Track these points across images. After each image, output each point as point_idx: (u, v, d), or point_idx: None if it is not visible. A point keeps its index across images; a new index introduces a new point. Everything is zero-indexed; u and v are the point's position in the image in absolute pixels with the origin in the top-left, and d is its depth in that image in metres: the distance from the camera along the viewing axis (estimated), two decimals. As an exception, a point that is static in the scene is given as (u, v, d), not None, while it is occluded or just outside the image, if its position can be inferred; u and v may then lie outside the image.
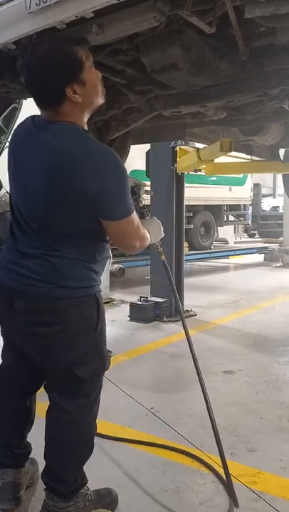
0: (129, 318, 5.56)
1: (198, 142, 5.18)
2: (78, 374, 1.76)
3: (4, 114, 7.09)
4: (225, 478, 2.14)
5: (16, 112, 7.39)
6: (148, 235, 1.91)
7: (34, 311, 1.72)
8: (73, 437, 1.83)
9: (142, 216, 2.13)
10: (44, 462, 1.88)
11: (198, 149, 5.20)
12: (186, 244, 8.04)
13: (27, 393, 2.01)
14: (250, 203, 13.59)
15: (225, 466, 2.14)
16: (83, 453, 1.88)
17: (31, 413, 2.04)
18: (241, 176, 11.84)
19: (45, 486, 1.87)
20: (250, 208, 13.99)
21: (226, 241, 14.72)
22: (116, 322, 5.50)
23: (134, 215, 1.74)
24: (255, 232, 16.78)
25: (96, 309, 1.80)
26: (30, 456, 2.09)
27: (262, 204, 16.69)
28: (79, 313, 1.74)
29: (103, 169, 1.61)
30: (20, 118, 7.42)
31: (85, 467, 2.08)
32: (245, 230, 17.34)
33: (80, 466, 1.88)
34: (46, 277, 1.68)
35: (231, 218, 13.25)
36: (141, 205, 2.20)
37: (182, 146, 5.72)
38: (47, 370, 1.84)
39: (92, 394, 1.84)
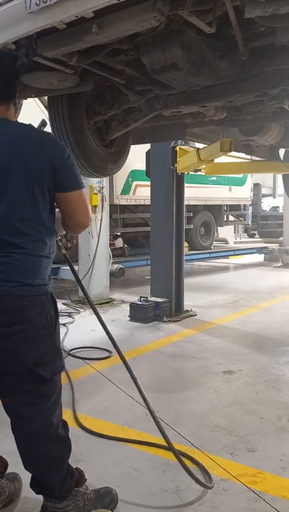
0: (129, 318, 5.56)
1: (198, 142, 5.18)
2: (41, 374, 1.72)
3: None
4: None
5: (15, 112, 7.39)
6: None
7: None
8: (45, 443, 1.79)
9: None
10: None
11: (198, 149, 5.20)
12: (186, 244, 8.05)
13: None
14: (250, 203, 13.58)
15: (164, 435, 2.18)
16: (60, 454, 1.85)
17: None
18: (241, 176, 11.84)
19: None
20: (250, 208, 13.98)
21: (225, 241, 14.73)
22: (116, 322, 5.51)
23: (86, 191, 1.88)
24: (255, 232, 16.79)
25: (54, 308, 1.82)
26: (13, 471, 2.07)
27: (262, 204, 16.71)
28: (39, 312, 1.74)
29: (58, 148, 1.80)
30: (20, 118, 7.45)
31: (85, 467, 2.08)
32: (245, 230, 17.35)
33: (61, 467, 1.85)
34: (8, 275, 1.68)
35: (231, 218, 13.25)
36: None
37: (182, 146, 5.72)
38: (8, 373, 1.73)
39: (53, 395, 1.80)
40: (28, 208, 1.72)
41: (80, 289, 6.52)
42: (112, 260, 7.21)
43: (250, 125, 3.78)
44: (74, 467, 1.94)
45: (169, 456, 2.43)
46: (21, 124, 1.84)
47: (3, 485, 2.03)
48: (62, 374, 3.70)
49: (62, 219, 1.92)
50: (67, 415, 2.92)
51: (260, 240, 16.09)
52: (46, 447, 1.80)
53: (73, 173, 1.83)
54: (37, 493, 1.87)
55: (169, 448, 2.19)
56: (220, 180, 11.41)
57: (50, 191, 1.77)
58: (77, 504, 1.87)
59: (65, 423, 1.90)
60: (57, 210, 1.88)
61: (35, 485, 1.87)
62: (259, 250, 12.57)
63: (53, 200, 1.80)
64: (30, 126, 1.82)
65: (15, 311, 1.69)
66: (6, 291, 1.67)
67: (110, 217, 7.47)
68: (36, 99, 6.97)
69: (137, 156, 6.62)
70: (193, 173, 7.58)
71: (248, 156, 5.69)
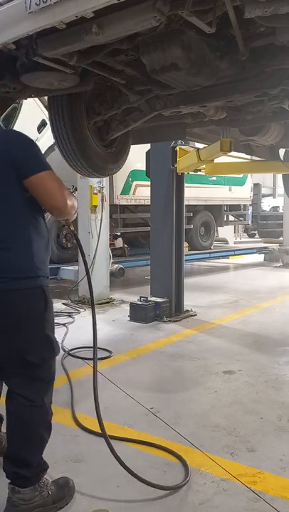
0: (129, 318, 5.56)
1: (198, 142, 5.18)
2: (30, 360, 1.91)
3: (4, 114, 7.09)
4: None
5: (16, 112, 7.40)
6: (76, 203, 2.10)
7: None
8: (35, 420, 1.96)
9: None
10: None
11: (198, 149, 5.20)
12: (186, 244, 8.05)
13: None
14: (250, 203, 13.57)
15: (99, 420, 2.23)
16: (44, 435, 2.00)
17: None
18: (241, 176, 11.83)
19: (9, 481, 1.94)
20: (250, 208, 13.97)
21: (225, 241, 14.72)
22: (116, 322, 5.51)
23: (54, 174, 1.94)
24: (255, 232, 16.79)
25: (43, 300, 1.94)
26: None
27: (262, 204, 16.70)
28: (27, 305, 1.89)
29: (17, 141, 1.94)
30: (21, 118, 7.45)
31: (85, 467, 2.09)
32: (245, 230, 17.35)
33: (42, 447, 2.00)
34: None
35: (231, 218, 13.24)
36: None
37: (182, 146, 5.72)
38: (2, 359, 1.94)
39: (46, 378, 1.98)
40: (1, 204, 1.87)
41: (79, 288, 6.54)
42: (112, 260, 7.21)
43: (250, 125, 3.78)
44: None
45: (169, 456, 2.44)
46: None
47: (2, 435, 2.26)
48: (62, 374, 3.72)
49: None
50: (66, 415, 2.92)
51: (260, 239, 16.09)
52: (36, 424, 1.96)
53: (33, 158, 1.92)
54: (9, 476, 1.95)
55: (102, 434, 2.25)
56: (220, 180, 11.40)
57: (21, 184, 1.88)
58: (43, 495, 1.96)
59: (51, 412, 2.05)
60: None
61: (11, 463, 1.94)
62: (259, 250, 12.57)
63: (27, 192, 1.91)
64: None
65: (2, 305, 1.86)
66: None
67: (110, 217, 7.47)
68: (36, 99, 6.98)
69: (137, 156, 6.62)
70: (193, 173, 7.58)
71: (248, 156, 5.69)
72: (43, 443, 2.00)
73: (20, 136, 1.99)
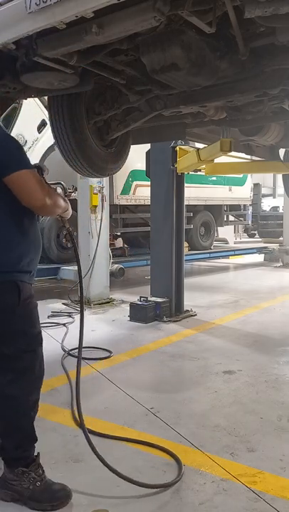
0: (129, 318, 5.56)
1: (198, 142, 5.18)
2: (3, 351, 2.00)
3: (4, 114, 7.10)
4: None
5: (16, 112, 7.40)
6: (62, 201, 2.13)
7: None
8: (8, 410, 2.04)
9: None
10: None
11: (198, 149, 5.20)
12: (186, 244, 8.05)
13: None
14: (250, 203, 13.57)
15: (78, 405, 2.31)
16: (20, 424, 2.06)
17: None
18: (241, 176, 11.83)
19: None
20: (250, 208, 13.97)
21: (225, 241, 14.71)
22: (116, 322, 5.51)
23: (33, 172, 1.98)
24: (255, 232, 16.78)
25: (17, 296, 1.98)
26: None
27: (262, 204, 16.70)
28: None
29: None
30: (21, 118, 7.45)
31: (85, 467, 2.09)
32: (245, 230, 17.34)
33: (18, 436, 2.06)
34: None
35: (231, 218, 13.23)
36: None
37: (182, 146, 5.72)
38: None
39: (20, 369, 2.03)
40: None
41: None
42: (112, 260, 7.21)
43: (250, 125, 3.78)
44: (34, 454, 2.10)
45: (169, 457, 2.43)
46: None
47: None
48: (62, 374, 3.72)
49: None
50: (66, 415, 2.92)
51: (260, 239, 16.08)
52: (9, 413, 2.05)
53: (10, 156, 1.95)
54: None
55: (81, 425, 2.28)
56: (220, 180, 11.40)
57: (1, 181, 1.92)
58: (22, 484, 2.03)
59: (36, 402, 2.11)
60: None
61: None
62: (259, 250, 12.57)
63: (7, 189, 1.94)
64: None
65: None
66: None
67: (110, 217, 7.46)
68: (36, 99, 6.98)
69: (137, 156, 6.62)
70: (193, 173, 7.58)
71: (248, 156, 5.69)
72: (19, 433, 2.06)
73: (2, 135, 2.05)
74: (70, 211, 2.30)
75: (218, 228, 12.78)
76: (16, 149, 2.01)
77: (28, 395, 2.07)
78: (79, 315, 5.89)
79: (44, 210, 2.05)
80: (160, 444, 2.54)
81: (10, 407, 2.04)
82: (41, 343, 2.12)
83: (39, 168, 2.24)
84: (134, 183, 8.85)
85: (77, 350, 4.23)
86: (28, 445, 2.09)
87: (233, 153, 4.51)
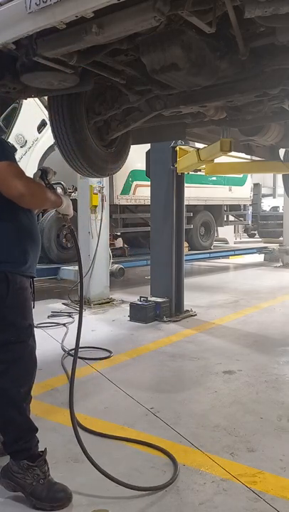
0: (129, 318, 5.56)
1: (198, 142, 5.17)
2: None
3: (4, 114, 7.10)
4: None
5: (16, 112, 7.40)
6: (49, 194, 2.14)
7: None
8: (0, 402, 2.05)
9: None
10: None
11: (198, 149, 5.20)
12: (186, 244, 8.05)
13: None
14: (250, 203, 13.57)
15: (71, 407, 2.24)
16: (13, 417, 2.07)
17: None
18: (241, 176, 11.82)
19: None
20: (250, 208, 13.97)
21: (226, 241, 14.71)
22: (116, 322, 5.51)
23: (12, 164, 1.99)
24: (255, 232, 16.78)
25: (5, 286, 2.01)
26: None
27: (262, 204, 16.69)
28: None
29: None
30: (21, 118, 7.45)
31: (85, 467, 2.08)
32: (245, 230, 17.33)
33: (14, 429, 2.08)
34: None
35: (231, 218, 13.23)
36: (48, 184, 2.30)
37: (182, 146, 5.72)
38: None
39: (8, 361, 2.05)
40: None
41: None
42: (112, 260, 7.21)
43: (250, 125, 3.78)
44: (38, 450, 2.11)
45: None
46: None
47: None
48: (62, 374, 3.72)
49: None
50: (66, 415, 2.92)
51: (260, 239, 16.08)
52: (2, 407, 2.06)
53: None
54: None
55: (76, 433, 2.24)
56: (220, 180, 11.39)
57: None
58: (26, 479, 2.04)
59: (28, 394, 2.12)
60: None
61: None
62: (259, 250, 12.57)
63: None
64: None
65: None
66: None
67: (110, 217, 7.46)
68: (36, 99, 6.98)
69: (137, 156, 6.63)
70: (193, 173, 7.58)
71: (248, 156, 5.69)
72: (14, 426, 2.07)
73: None
74: (71, 208, 2.31)
75: (218, 228, 12.78)
76: None
77: (19, 386, 2.08)
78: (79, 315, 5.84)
79: (23, 200, 2.02)
80: (160, 444, 2.54)
81: (2, 400, 2.05)
82: (32, 335, 2.13)
83: (43, 171, 2.26)
84: (134, 183, 8.85)
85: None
86: (28, 436, 2.09)
87: (233, 153, 4.51)
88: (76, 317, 5.72)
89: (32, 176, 2.22)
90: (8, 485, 2.10)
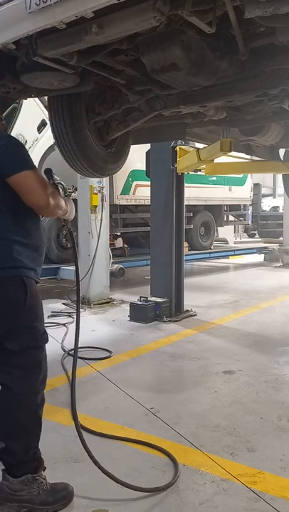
0: (129, 318, 5.56)
1: (198, 142, 5.18)
2: (8, 347, 1.95)
3: (4, 114, 7.10)
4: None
5: (16, 112, 7.40)
6: (63, 203, 2.15)
7: None
8: (14, 409, 1.97)
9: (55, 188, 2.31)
10: None
11: (198, 149, 5.20)
12: (186, 244, 8.05)
13: None
14: (250, 203, 13.57)
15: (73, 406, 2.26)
16: (28, 424, 1.99)
17: None
18: (241, 176, 11.83)
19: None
20: (250, 208, 13.97)
21: (226, 241, 14.72)
22: (116, 322, 5.51)
23: (37, 174, 1.99)
24: (255, 232, 16.78)
25: (23, 289, 1.96)
26: None
27: (262, 204, 16.70)
28: (2, 293, 1.93)
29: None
30: (21, 118, 7.45)
31: (85, 467, 2.08)
32: (245, 230, 17.34)
33: (26, 437, 1.99)
34: None
35: (231, 218, 13.24)
36: (55, 182, 2.29)
37: (182, 146, 5.72)
38: None
39: (26, 367, 1.98)
40: None
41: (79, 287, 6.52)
42: (112, 260, 7.21)
43: (250, 125, 3.78)
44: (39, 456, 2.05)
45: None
46: None
47: None
48: (62, 374, 3.72)
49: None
50: (66, 415, 2.92)
51: (260, 239, 16.08)
52: (17, 413, 1.97)
53: (12, 158, 1.98)
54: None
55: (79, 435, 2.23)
56: (220, 180, 11.40)
57: (2, 179, 1.93)
58: (31, 492, 1.96)
59: (43, 400, 2.06)
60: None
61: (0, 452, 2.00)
62: (259, 250, 12.58)
63: (8, 189, 1.96)
64: None
65: None
66: None
67: (110, 217, 7.47)
68: (36, 99, 6.98)
69: (137, 156, 6.62)
70: (193, 173, 7.58)
71: (248, 156, 5.69)
72: (27, 433, 1.99)
73: (5, 136, 2.05)
74: (73, 213, 2.31)
75: (218, 228, 12.79)
76: (19, 150, 2.02)
77: (37, 393, 2.03)
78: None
79: (46, 210, 2.04)
80: (160, 443, 2.54)
81: (19, 406, 1.98)
82: (47, 341, 2.09)
83: (49, 172, 2.26)
84: (134, 183, 8.86)
85: (77, 350, 4.25)
86: (36, 445, 2.03)
87: (233, 153, 4.51)
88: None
89: None
90: (10, 508, 1.95)
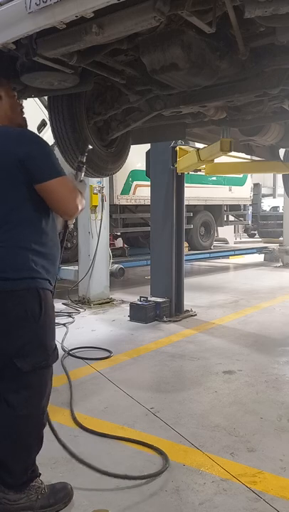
0: (129, 318, 5.56)
1: (198, 142, 5.18)
2: (19, 366, 1.81)
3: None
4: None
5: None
6: (84, 202, 2.04)
7: None
8: (19, 430, 1.87)
9: (78, 169, 2.29)
10: None
11: (198, 149, 5.20)
12: (186, 244, 8.05)
13: None
14: (250, 203, 13.58)
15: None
16: (31, 445, 1.92)
17: None
18: (241, 176, 11.84)
19: None
20: (250, 208, 13.98)
21: (226, 241, 14.72)
22: (116, 322, 5.51)
23: (66, 180, 1.90)
24: (255, 232, 16.80)
25: (38, 303, 1.84)
26: None
27: (262, 204, 16.71)
28: (17, 305, 1.81)
29: (23, 141, 1.86)
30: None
31: (85, 467, 2.08)
32: (245, 230, 17.36)
33: (28, 457, 1.92)
34: None
35: (231, 218, 13.24)
36: (83, 162, 2.28)
37: (182, 146, 5.72)
38: None
39: (35, 387, 1.88)
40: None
41: (79, 288, 6.54)
42: (112, 260, 7.21)
43: (250, 125, 3.78)
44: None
45: (169, 457, 2.43)
46: None
47: None
48: (62, 374, 3.71)
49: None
50: (66, 415, 2.92)
51: (260, 240, 16.10)
52: (21, 434, 1.88)
53: (45, 163, 1.86)
54: None
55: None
56: (220, 180, 11.40)
57: (26, 184, 1.83)
58: (30, 498, 1.92)
59: (45, 420, 1.98)
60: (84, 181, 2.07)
61: None
62: (259, 250, 12.58)
63: (33, 192, 1.86)
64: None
65: None
66: None
67: (110, 217, 7.47)
68: (36, 99, 6.98)
69: (137, 156, 6.63)
70: (193, 173, 7.58)
71: (248, 156, 5.69)
72: (28, 453, 1.92)
73: (25, 136, 1.91)
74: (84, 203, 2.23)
75: (218, 228, 12.80)
76: (51, 154, 1.90)
77: (43, 413, 1.94)
78: (79, 315, 5.93)
79: (73, 217, 2.00)
80: (160, 444, 2.54)
81: (24, 427, 1.88)
82: (57, 359, 1.98)
83: (87, 150, 2.26)
84: (134, 183, 8.86)
85: (77, 350, 4.25)
86: (34, 463, 1.96)
87: (233, 153, 4.51)
88: (76, 317, 5.73)
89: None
90: None
